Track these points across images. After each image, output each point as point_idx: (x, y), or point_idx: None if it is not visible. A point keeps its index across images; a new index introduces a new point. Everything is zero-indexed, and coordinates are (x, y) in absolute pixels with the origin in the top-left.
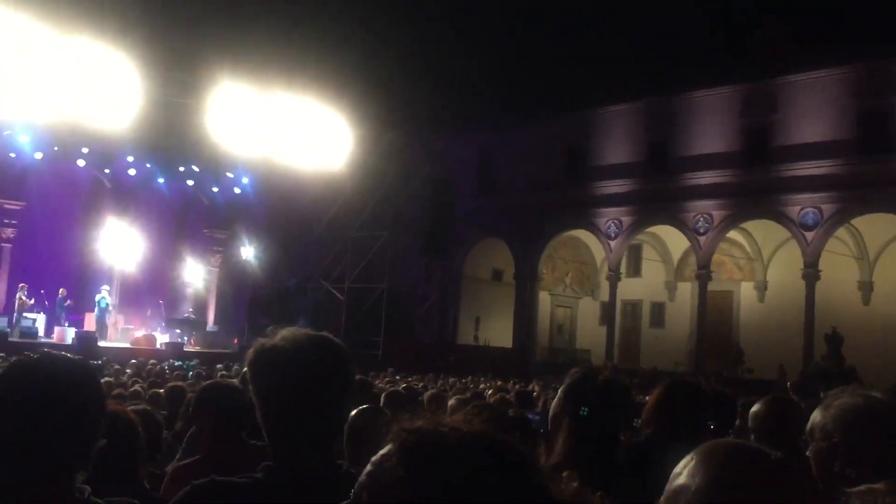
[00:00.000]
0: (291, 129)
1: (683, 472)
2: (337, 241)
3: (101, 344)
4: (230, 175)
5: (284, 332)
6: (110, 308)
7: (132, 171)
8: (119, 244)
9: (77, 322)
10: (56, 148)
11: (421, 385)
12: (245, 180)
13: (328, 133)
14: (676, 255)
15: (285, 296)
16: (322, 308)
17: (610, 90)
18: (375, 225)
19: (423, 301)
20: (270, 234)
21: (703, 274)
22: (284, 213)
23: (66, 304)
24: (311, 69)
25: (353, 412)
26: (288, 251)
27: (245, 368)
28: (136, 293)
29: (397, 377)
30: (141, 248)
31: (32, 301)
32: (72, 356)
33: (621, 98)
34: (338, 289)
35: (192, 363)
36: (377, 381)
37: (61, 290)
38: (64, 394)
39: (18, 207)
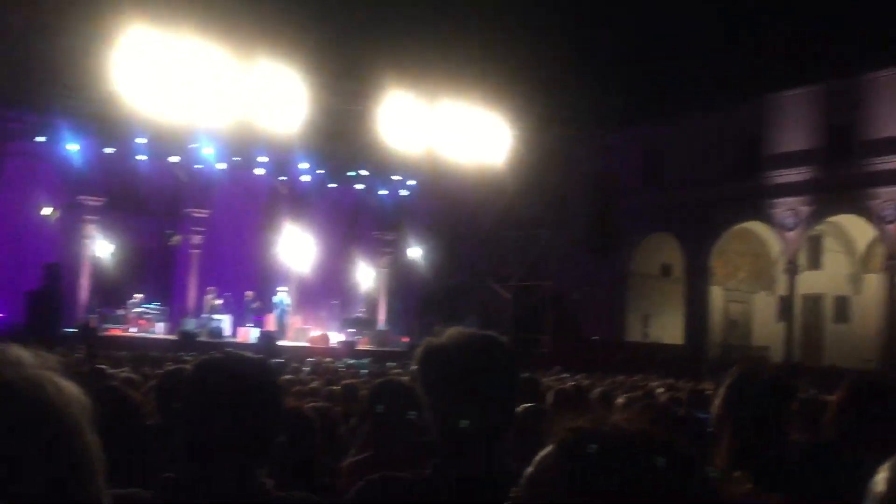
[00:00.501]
0: (454, 131)
1: (884, 481)
2: (501, 240)
3: (282, 343)
4: (397, 178)
5: (451, 332)
6: (289, 309)
7: (305, 178)
8: (295, 248)
9: (259, 323)
10: (236, 158)
11: (588, 383)
12: (411, 182)
13: (489, 133)
14: (861, 245)
15: (452, 295)
16: (488, 307)
17: (784, 74)
18: (539, 223)
19: (590, 298)
20: (436, 234)
21: (893, 265)
22: (449, 213)
23: (253, 305)
24: (472, 72)
25: (520, 410)
26: (453, 251)
27: (415, 366)
28: (311, 294)
29: (564, 375)
30: (315, 251)
31: (220, 302)
32: (252, 355)
33: (798, 82)
34: (504, 287)
35: (365, 361)
36: (544, 380)
37: (249, 292)
38: (246, 391)
39: (205, 216)
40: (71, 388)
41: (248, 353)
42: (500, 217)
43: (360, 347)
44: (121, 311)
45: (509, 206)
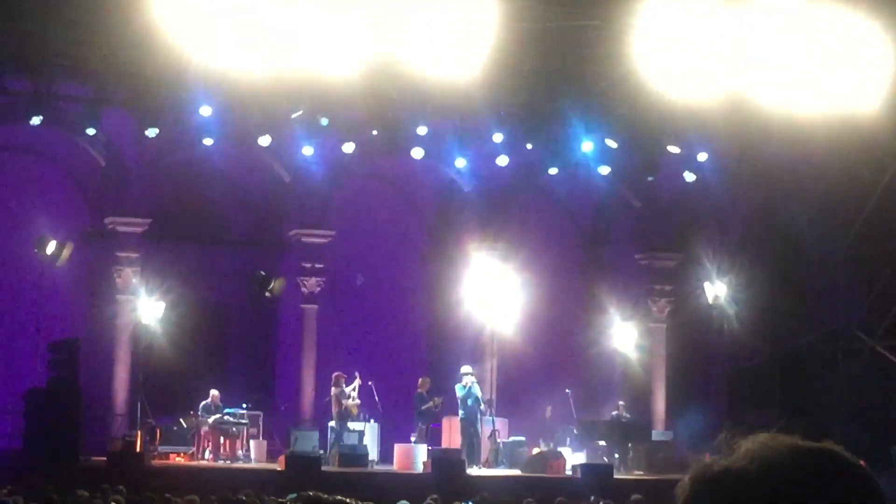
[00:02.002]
0: (781, 56)
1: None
2: (879, 261)
3: (474, 472)
4: (673, 150)
5: (753, 444)
6: (483, 406)
7: (502, 161)
8: (489, 292)
9: (432, 434)
10: (374, 132)
11: None
12: (701, 157)
13: (860, 58)
14: None
15: (794, 366)
16: (864, 386)
17: None
18: None
19: None
20: (757, 254)
21: None
22: (778, 214)
23: (427, 405)
24: None
25: None
26: (792, 286)
27: None
28: (522, 377)
29: None
30: (524, 297)
31: (355, 400)
32: None
33: None
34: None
35: None
36: None
37: (422, 380)
38: None
39: (325, 241)
40: None
41: None
42: (873, 218)
43: (621, 476)
44: (185, 422)
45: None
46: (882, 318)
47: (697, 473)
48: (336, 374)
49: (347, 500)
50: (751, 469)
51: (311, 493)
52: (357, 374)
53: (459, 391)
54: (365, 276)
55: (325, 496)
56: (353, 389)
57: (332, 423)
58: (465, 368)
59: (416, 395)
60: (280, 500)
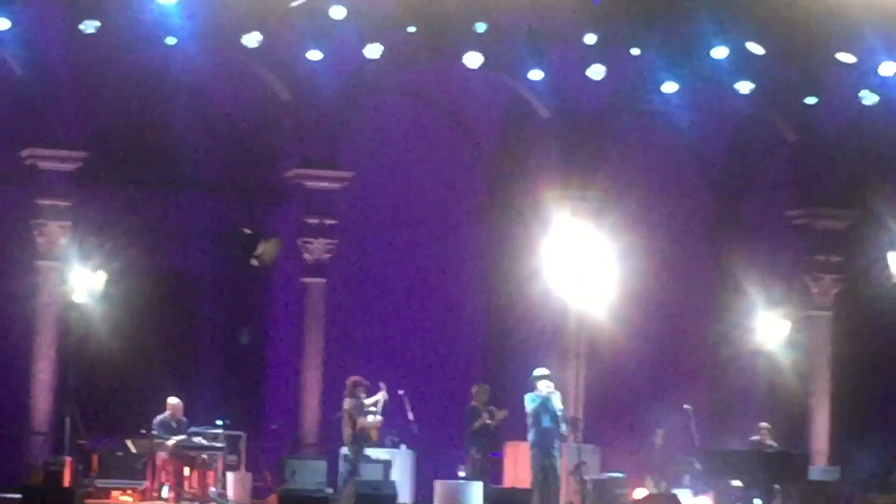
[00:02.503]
0: None
1: None
2: None
3: None
4: (846, 59)
5: None
6: (564, 423)
7: (596, 73)
8: (578, 265)
9: (489, 467)
10: (410, 29)
11: None
12: (887, 70)
13: None
14: None
15: None
16: None
17: None
18: None
19: None
20: None
21: None
22: None
23: (483, 421)
24: None
25: None
26: None
27: None
28: (613, 387)
29: None
30: (629, 269)
31: (377, 417)
32: None
33: None
34: None
35: None
36: None
37: (478, 387)
38: None
39: (338, 189)
40: None
41: None
42: None
43: None
44: (134, 445)
45: None
46: None
47: None
48: (353, 379)
49: None
50: None
51: None
52: (382, 384)
53: (530, 404)
54: (398, 255)
55: None
56: (375, 403)
57: (344, 450)
58: (540, 371)
59: (466, 409)
60: None
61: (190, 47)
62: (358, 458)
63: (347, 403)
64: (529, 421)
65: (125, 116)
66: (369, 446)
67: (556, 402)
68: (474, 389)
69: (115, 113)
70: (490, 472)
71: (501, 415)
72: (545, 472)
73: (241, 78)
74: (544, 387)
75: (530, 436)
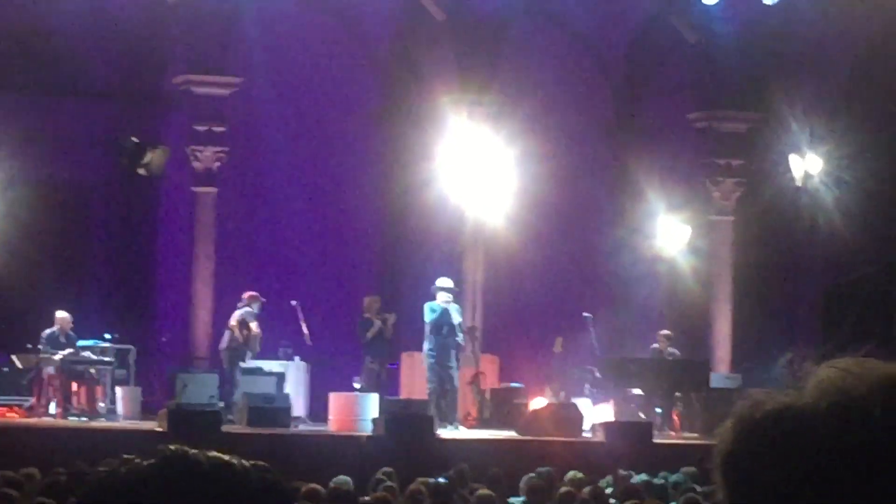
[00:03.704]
0: None
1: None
2: None
3: (450, 435)
4: None
5: (829, 373)
6: (463, 334)
7: None
8: (476, 172)
9: (384, 379)
10: None
11: None
12: None
13: None
14: None
15: None
16: None
17: None
18: None
19: None
20: (862, 110)
21: None
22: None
23: (376, 329)
24: None
25: None
26: None
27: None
28: (511, 295)
29: None
30: (529, 176)
31: (253, 332)
32: (256, 470)
33: None
34: None
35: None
36: None
37: (368, 298)
38: None
39: (228, 94)
40: None
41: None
42: None
43: (667, 441)
44: (19, 360)
45: None
46: None
47: (744, 413)
48: (250, 293)
49: (228, 459)
50: (821, 407)
51: (172, 448)
52: (294, 302)
53: (430, 314)
54: (290, 163)
55: (194, 453)
56: (254, 310)
57: (233, 354)
58: (443, 281)
59: (360, 320)
60: (137, 459)
61: None
62: (236, 370)
63: (239, 314)
64: (427, 330)
65: (6, 22)
66: (257, 358)
67: (456, 313)
68: (366, 301)
69: None
70: (386, 383)
71: (392, 318)
72: (442, 382)
73: None
74: (444, 297)
75: (427, 346)
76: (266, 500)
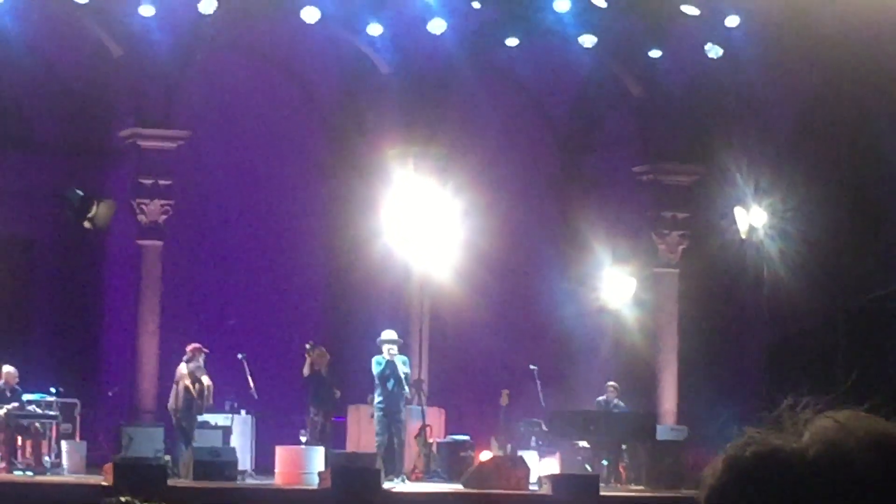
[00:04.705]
0: None
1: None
2: None
3: (393, 487)
4: (690, 12)
5: (826, 423)
6: (409, 387)
7: (437, 27)
8: (422, 225)
9: (328, 434)
10: None
11: None
12: (731, 22)
13: None
14: None
15: (862, 331)
16: None
17: None
18: None
19: None
20: (805, 163)
21: None
22: (831, 102)
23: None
24: None
25: None
26: (858, 209)
27: None
28: (457, 348)
29: None
30: (474, 229)
31: (207, 384)
32: None
33: None
34: None
35: None
36: None
37: (314, 349)
38: None
39: (174, 147)
40: None
41: None
42: None
43: (614, 493)
44: None
45: None
46: None
47: (735, 453)
48: (193, 346)
49: None
50: (809, 454)
51: (123, 500)
52: (241, 355)
53: (376, 367)
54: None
55: None
56: (199, 364)
57: (181, 418)
58: (388, 334)
59: (305, 373)
60: None
61: (18, 2)
62: (192, 425)
63: (185, 368)
64: (376, 382)
65: None
66: (207, 411)
67: (402, 366)
68: (312, 351)
69: None
70: (331, 436)
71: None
72: (390, 436)
73: (72, 34)
74: (390, 350)
75: (376, 399)
76: None
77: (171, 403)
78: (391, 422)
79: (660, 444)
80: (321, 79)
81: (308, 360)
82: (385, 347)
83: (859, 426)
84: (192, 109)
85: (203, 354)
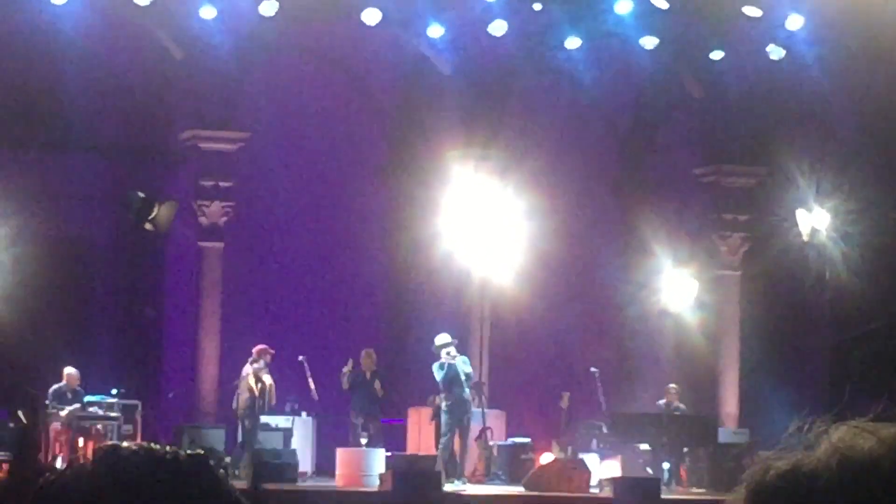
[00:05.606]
0: None
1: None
2: None
3: (454, 489)
4: (752, 13)
5: (841, 435)
6: (470, 390)
7: (497, 29)
8: (473, 224)
9: (382, 436)
10: None
11: None
12: (794, 23)
13: None
14: None
15: None
16: None
17: None
18: None
19: None
20: (869, 165)
21: None
22: (892, 108)
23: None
24: None
25: None
26: None
27: None
28: (518, 351)
29: None
30: (523, 231)
31: (267, 381)
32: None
33: None
34: None
35: None
36: None
37: (364, 353)
38: None
39: (234, 149)
40: None
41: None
42: None
43: (675, 496)
44: (25, 417)
45: None
46: None
47: (756, 477)
48: (259, 347)
49: (158, 448)
50: (831, 464)
51: (106, 445)
52: (302, 357)
53: (438, 372)
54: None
55: (126, 447)
56: (264, 365)
57: (244, 416)
58: (442, 338)
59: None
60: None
61: (80, 6)
62: (256, 426)
63: (251, 368)
64: (441, 388)
65: (14, 78)
66: (269, 412)
67: (463, 367)
68: (362, 353)
69: (1, 75)
70: (393, 439)
71: (363, 354)
72: (451, 438)
73: (134, 37)
74: (446, 354)
75: (443, 403)
76: (198, 482)
77: (234, 403)
78: (456, 423)
79: (721, 448)
80: (381, 80)
81: (346, 372)
82: (443, 352)
83: (878, 428)
84: (252, 111)
85: (269, 356)
